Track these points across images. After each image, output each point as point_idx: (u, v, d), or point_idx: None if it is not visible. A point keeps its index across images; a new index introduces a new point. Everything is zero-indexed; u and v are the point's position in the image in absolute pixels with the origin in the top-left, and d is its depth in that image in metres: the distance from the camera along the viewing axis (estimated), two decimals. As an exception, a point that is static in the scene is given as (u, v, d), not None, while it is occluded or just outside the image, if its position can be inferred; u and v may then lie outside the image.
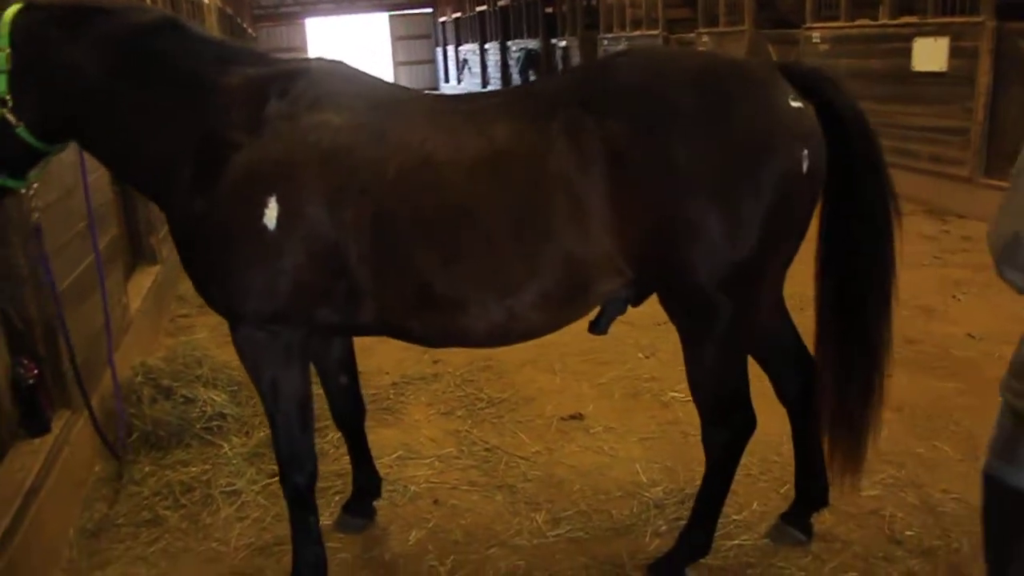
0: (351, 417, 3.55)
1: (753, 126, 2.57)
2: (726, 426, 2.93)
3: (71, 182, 4.24)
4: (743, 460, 3.80)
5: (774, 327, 3.12)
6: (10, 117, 2.76)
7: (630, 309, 2.99)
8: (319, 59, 3.03)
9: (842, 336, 2.89)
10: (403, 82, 34.36)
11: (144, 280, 6.27)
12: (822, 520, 3.43)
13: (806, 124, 2.64)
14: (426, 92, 3.06)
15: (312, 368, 3.15)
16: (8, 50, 2.73)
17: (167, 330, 6.30)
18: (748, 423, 2.96)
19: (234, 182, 2.74)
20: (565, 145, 2.60)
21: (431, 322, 2.84)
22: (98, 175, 4.67)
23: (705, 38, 14.51)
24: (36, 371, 3.76)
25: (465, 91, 30.52)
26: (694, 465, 3.91)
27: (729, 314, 2.70)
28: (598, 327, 2.99)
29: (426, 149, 2.70)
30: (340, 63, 3.02)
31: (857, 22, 10.66)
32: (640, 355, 5.41)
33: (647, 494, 3.77)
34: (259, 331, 2.89)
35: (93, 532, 3.73)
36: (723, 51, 13.71)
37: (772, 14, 13.44)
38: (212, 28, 13.45)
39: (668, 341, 5.31)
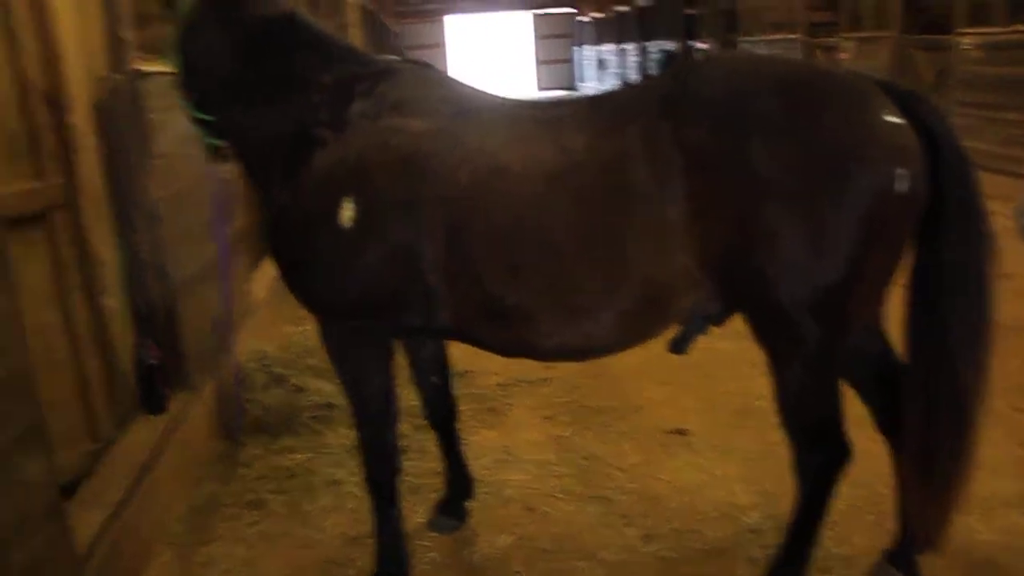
0: (443, 417, 3.58)
1: (842, 137, 2.41)
2: (817, 453, 2.79)
3: (199, 173, 4.42)
4: (849, 491, 3.65)
5: (869, 351, 2.95)
6: (180, 91, 3.12)
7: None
8: (408, 61, 3.07)
9: (927, 375, 2.68)
10: (543, 81, 34.92)
11: (271, 269, 6.48)
12: (930, 563, 3.23)
13: (902, 141, 2.46)
14: (513, 98, 3.02)
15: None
16: (177, 32, 3.05)
17: (290, 319, 6.48)
18: (841, 452, 2.80)
19: (315, 179, 2.83)
20: (642, 155, 2.53)
21: (501, 335, 2.83)
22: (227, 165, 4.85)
23: (847, 43, 13.97)
24: (156, 353, 3.94)
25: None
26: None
27: (815, 336, 2.55)
28: (678, 346, 2.90)
29: (500, 159, 2.67)
30: (429, 66, 3.06)
31: (1013, 28, 10.04)
32: (753, 371, 5.24)
33: (744, 518, 3.64)
34: (342, 326, 2.96)
35: (201, 510, 3.89)
36: (863, 57, 13.16)
37: (922, 19, 12.81)
38: (353, 24, 13.84)
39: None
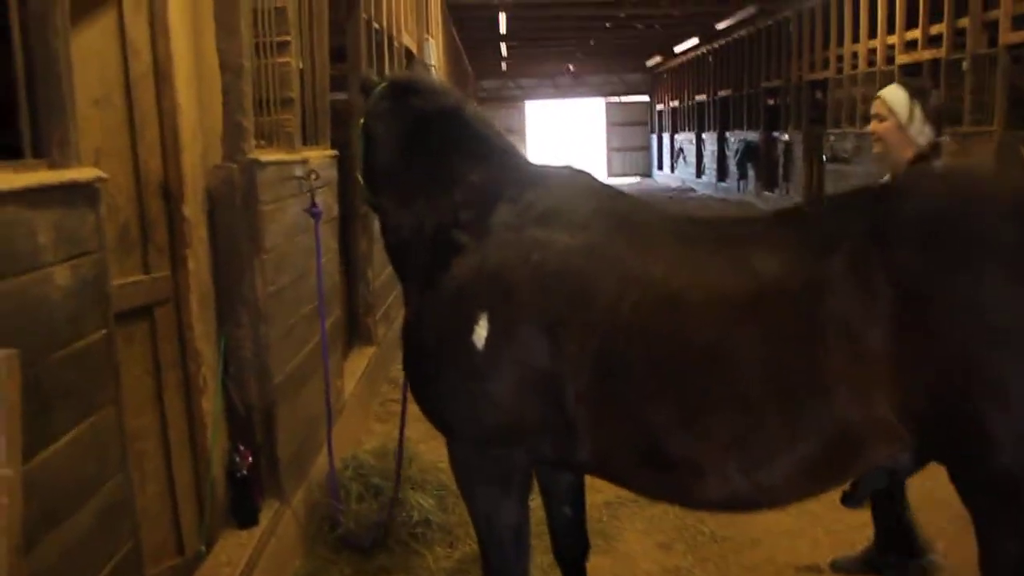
0: (571, 551, 3.21)
1: None
2: None
3: (303, 266, 4.21)
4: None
5: None
6: (359, 176, 3.07)
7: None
8: (564, 167, 2.82)
9: None
10: (616, 168, 34.93)
11: (359, 362, 6.24)
12: None
13: None
14: (674, 213, 2.73)
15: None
16: (362, 119, 3.03)
17: (377, 415, 6.21)
18: None
19: (450, 288, 2.60)
20: (848, 283, 2.17)
21: (656, 481, 2.48)
22: (326, 259, 4.64)
23: (946, 137, 13.51)
24: (250, 460, 3.66)
25: (679, 180, 29.76)
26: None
27: None
28: (853, 500, 2.50)
29: (671, 285, 2.34)
30: (584, 173, 2.80)
31: None
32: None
33: None
34: (473, 451, 2.66)
35: (290, 637, 3.54)
36: (965, 153, 12.69)
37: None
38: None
39: (912, 486, 4.66)
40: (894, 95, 3.33)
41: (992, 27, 12.09)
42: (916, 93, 3.31)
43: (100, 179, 2.11)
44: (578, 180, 2.73)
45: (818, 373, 2.18)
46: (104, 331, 2.19)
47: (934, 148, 3.29)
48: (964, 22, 12.66)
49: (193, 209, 3.35)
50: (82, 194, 2.07)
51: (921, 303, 2.12)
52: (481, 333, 2.48)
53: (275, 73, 4.13)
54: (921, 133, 3.28)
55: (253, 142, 3.61)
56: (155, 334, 3.33)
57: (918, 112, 3.26)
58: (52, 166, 2.02)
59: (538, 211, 2.58)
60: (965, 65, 12.67)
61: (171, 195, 3.29)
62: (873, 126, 3.43)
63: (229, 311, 3.59)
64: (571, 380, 2.41)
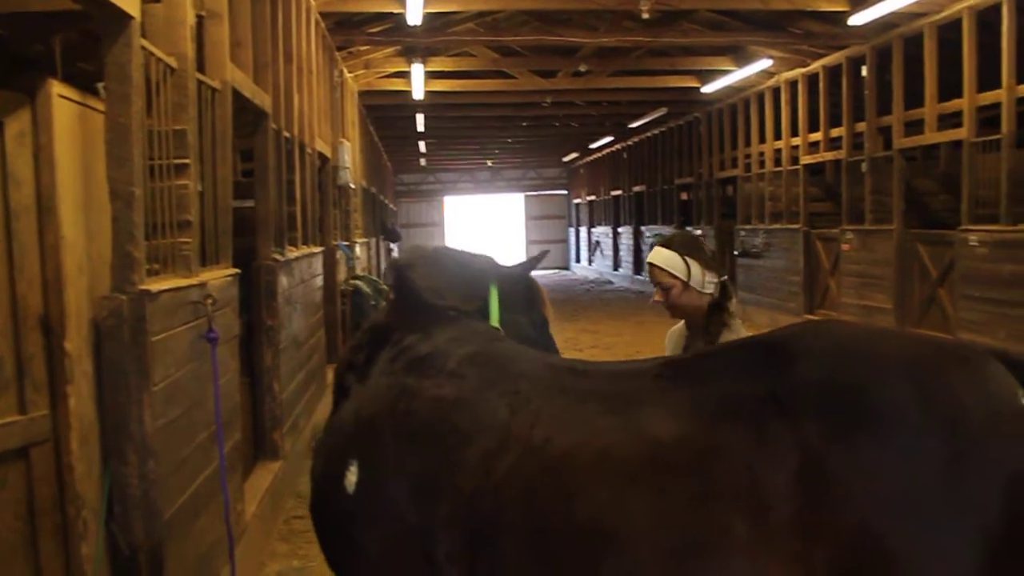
0: None
1: (985, 436, 2.00)
2: None
3: (199, 392, 4.07)
4: None
5: None
6: None
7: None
8: (452, 311, 2.80)
9: None
10: (535, 260, 35.26)
11: (263, 478, 6.01)
12: None
13: None
14: (561, 361, 2.61)
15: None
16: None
17: (281, 533, 5.96)
18: None
19: (332, 429, 2.64)
20: (749, 453, 2.07)
21: None
22: (225, 380, 4.49)
23: (849, 235, 14.02)
24: (135, 607, 3.44)
25: (596, 273, 30.24)
26: None
27: None
28: None
29: (551, 448, 2.19)
30: (470, 316, 2.81)
31: (1021, 226, 10.03)
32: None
33: None
34: None
35: None
36: (866, 249, 13.19)
37: (922, 213, 12.94)
38: (356, 209, 13.90)
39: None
40: (670, 261, 3.30)
41: (887, 131, 12.72)
42: (686, 249, 3.32)
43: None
44: (461, 322, 2.69)
45: (716, 549, 2.06)
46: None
47: (723, 290, 3.31)
48: (861, 126, 13.30)
49: (76, 343, 3.21)
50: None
51: (823, 473, 2.03)
52: (351, 479, 2.43)
53: (172, 196, 4.04)
54: (706, 283, 3.27)
55: (144, 271, 3.49)
56: (31, 477, 3.16)
57: (696, 266, 3.27)
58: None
59: (412, 356, 2.53)
60: (864, 167, 13.26)
61: (52, 330, 3.15)
62: (659, 296, 3.37)
63: (115, 448, 3.41)
64: (442, 540, 2.28)
